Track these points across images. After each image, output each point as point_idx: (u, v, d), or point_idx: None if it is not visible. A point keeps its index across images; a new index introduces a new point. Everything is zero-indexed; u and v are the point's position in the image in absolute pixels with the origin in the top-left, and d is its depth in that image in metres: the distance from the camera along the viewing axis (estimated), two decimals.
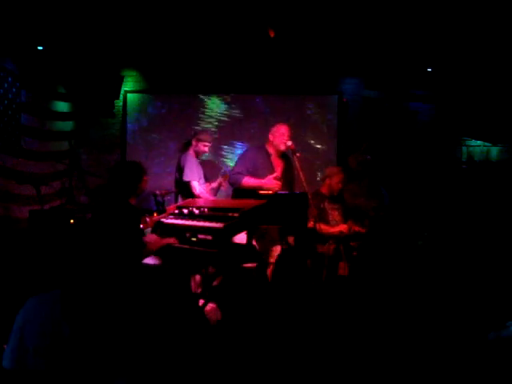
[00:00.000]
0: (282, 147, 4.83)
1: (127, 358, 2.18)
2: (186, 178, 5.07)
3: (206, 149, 5.32)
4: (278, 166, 4.92)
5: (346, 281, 4.83)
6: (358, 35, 6.11)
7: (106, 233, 3.21)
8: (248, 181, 4.74)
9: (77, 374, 2.04)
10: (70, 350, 2.03)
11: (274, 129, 4.90)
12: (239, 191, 4.86)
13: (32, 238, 4.91)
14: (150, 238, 3.81)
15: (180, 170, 5.21)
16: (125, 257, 3.13)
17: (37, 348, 2.05)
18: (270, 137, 4.90)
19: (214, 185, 5.46)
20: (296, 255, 4.72)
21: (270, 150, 4.90)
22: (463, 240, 5.84)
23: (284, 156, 5.00)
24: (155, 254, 3.75)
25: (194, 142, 5.29)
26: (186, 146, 5.35)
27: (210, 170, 5.85)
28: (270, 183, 4.69)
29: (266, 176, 4.72)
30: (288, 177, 4.98)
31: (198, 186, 5.08)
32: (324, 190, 5.24)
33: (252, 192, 4.64)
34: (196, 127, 6.86)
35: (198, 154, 5.28)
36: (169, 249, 3.69)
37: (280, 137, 4.81)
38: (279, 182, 4.74)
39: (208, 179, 5.46)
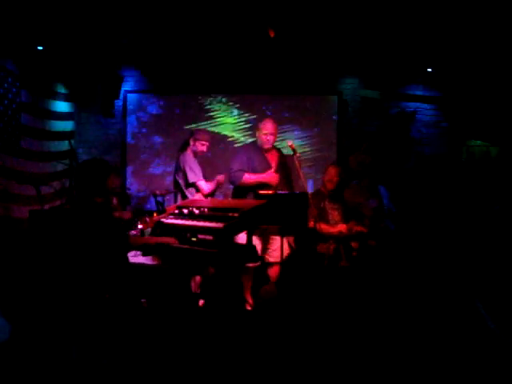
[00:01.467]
0: (266, 145, 4.82)
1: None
2: (191, 180, 5.02)
3: (204, 148, 5.24)
4: (273, 160, 4.91)
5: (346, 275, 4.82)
6: (358, 35, 6.10)
7: (75, 235, 3.20)
8: (249, 177, 4.72)
9: None
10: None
11: (259, 125, 4.91)
12: (239, 191, 4.85)
13: (32, 238, 4.91)
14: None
15: (178, 170, 5.17)
16: (98, 255, 3.13)
17: None
18: (256, 133, 4.93)
19: (213, 184, 5.45)
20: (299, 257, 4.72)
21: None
22: (463, 239, 5.84)
23: (277, 150, 5.01)
24: (156, 253, 3.75)
25: (191, 142, 5.21)
26: (184, 146, 5.30)
27: (208, 170, 5.84)
28: (271, 177, 4.69)
29: (264, 171, 4.72)
30: (284, 170, 4.96)
31: (205, 184, 5.06)
32: (323, 190, 5.24)
33: (252, 192, 4.63)
34: (196, 127, 6.86)
35: (196, 154, 5.23)
36: (169, 249, 3.68)
37: (262, 136, 4.81)
38: (278, 175, 4.74)
39: (206, 179, 5.44)
